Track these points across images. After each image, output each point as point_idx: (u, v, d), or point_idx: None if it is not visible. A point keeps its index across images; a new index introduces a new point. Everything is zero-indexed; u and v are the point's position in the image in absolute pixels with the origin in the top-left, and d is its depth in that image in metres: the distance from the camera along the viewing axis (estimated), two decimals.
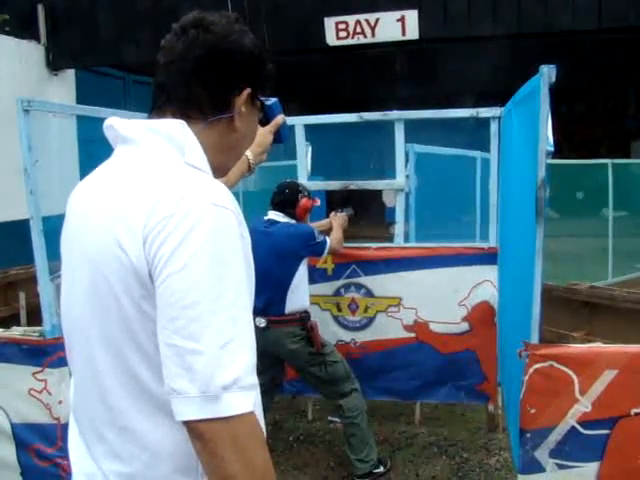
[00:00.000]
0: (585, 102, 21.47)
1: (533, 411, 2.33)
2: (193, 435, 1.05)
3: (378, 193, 10.74)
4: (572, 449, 2.34)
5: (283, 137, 1.95)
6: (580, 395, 2.26)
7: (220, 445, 1.03)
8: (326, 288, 4.21)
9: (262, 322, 3.62)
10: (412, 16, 9.29)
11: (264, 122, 1.53)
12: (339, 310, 4.23)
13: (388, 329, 4.14)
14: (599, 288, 5.36)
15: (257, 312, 3.07)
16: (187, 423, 1.04)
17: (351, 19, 9.40)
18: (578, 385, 2.26)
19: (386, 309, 4.12)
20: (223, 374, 1.03)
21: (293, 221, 3.79)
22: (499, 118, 3.74)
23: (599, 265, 9.41)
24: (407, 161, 4.78)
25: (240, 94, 1.25)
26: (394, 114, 3.96)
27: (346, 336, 4.25)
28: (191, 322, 1.03)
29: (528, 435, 2.36)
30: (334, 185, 4.44)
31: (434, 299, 4.01)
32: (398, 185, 4.04)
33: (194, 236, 1.05)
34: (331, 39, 9.51)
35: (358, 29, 9.51)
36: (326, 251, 3.80)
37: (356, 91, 13.42)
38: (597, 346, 2.34)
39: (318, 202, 3.98)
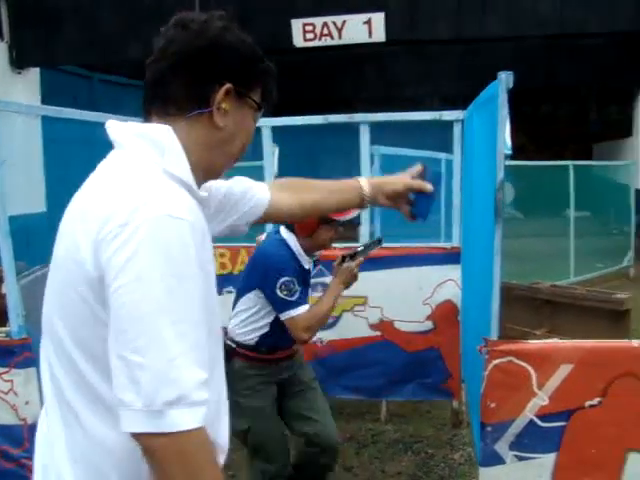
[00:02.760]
0: (550, 104, 21.81)
1: (493, 405, 2.39)
2: (141, 447, 1.06)
3: None
4: (530, 441, 2.41)
5: (418, 211, 1.70)
6: (538, 389, 2.33)
7: (165, 460, 1.04)
8: None
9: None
10: (379, 18, 9.37)
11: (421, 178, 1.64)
12: None
13: (354, 328, 4.20)
14: (560, 287, 5.49)
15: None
16: (133, 435, 1.05)
17: (318, 21, 9.46)
18: (536, 379, 2.33)
19: (352, 308, 4.17)
20: (167, 390, 1.03)
21: (291, 238, 2.90)
22: (462, 121, 3.83)
23: (562, 264, 9.60)
24: (372, 163, 4.85)
25: (219, 90, 1.23)
26: (359, 116, 4.02)
27: None
28: (139, 336, 1.03)
29: (488, 429, 2.42)
30: None
31: (399, 298, 4.08)
32: None
33: (146, 248, 1.05)
34: (298, 41, 9.56)
35: (325, 31, 9.57)
36: (290, 315, 2.78)
37: (323, 92, 13.50)
38: (554, 342, 2.42)
39: (348, 216, 2.81)
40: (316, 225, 2.84)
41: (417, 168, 1.73)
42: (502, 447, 2.45)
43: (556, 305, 5.01)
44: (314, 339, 4.26)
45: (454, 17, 9.28)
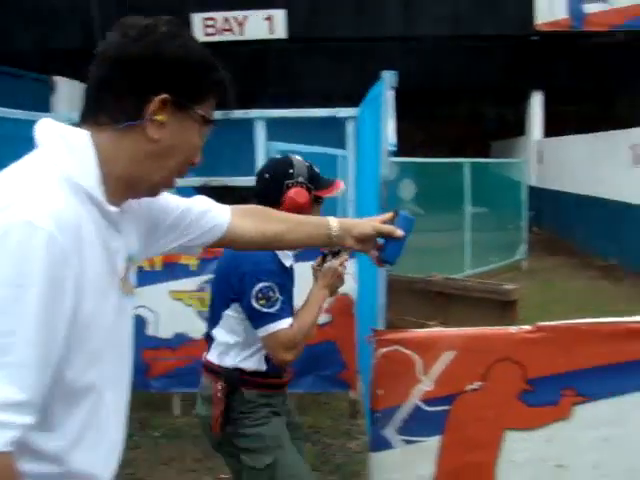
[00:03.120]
0: (448, 103, 22.49)
1: (381, 392, 2.49)
2: None
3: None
4: (417, 425, 2.52)
5: (386, 256, 1.67)
6: (422, 375, 2.44)
7: None
8: (190, 284, 4.24)
9: None
10: (280, 15, 9.45)
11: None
12: (203, 305, 4.26)
13: None
14: (453, 279, 5.71)
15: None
16: None
17: (219, 16, 9.44)
18: (421, 366, 2.44)
19: None
20: None
21: None
22: (355, 118, 3.93)
23: (459, 258, 9.97)
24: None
25: (154, 101, 1.16)
26: (255, 112, 4.06)
27: None
28: None
29: (377, 415, 2.52)
30: (193, 181, 4.47)
31: (295, 292, 4.13)
32: None
33: None
34: (199, 35, 9.49)
35: (226, 26, 9.56)
36: (267, 331, 2.33)
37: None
38: (437, 330, 2.53)
39: (341, 186, 2.53)
40: (308, 205, 2.35)
41: (388, 214, 1.72)
42: (390, 432, 2.55)
43: (449, 297, 5.22)
44: None
45: (354, 16, 9.45)
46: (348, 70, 11.25)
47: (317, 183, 2.38)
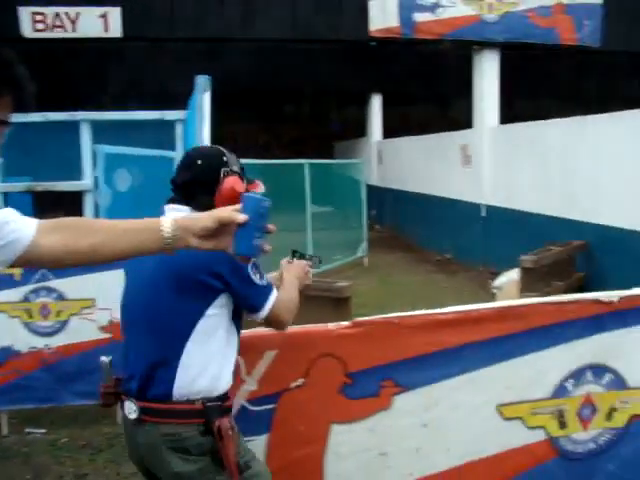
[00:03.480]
0: (294, 104, 22.81)
1: None
2: None
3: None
4: (244, 425, 2.54)
5: (238, 248, 1.41)
6: (246, 376, 2.48)
7: None
8: (13, 295, 4.03)
9: (133, 410, 2.07)
10: (115, 13, 9.17)
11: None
12: (30, 316, 4.07)
13: (83, 332, 4.10)
14: None
15: (131, 392, 2.07)
16: None
17: (49, 11, 9.00)
18: (244, 367, 2.47)
19: (80, 311, 4.06)
20: None
21: None
22: (183, 120, 3.91)
23: None
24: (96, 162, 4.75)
25: None
26: (80, 114, 3.93)
27: (39, 342, 4.12)
28: None
29: None
30: (16, 187, 4.26)
31: None
32: (86, 186, 4.01)
33: None
34: (28, 31, 9.01)
35: (58, 22, 9.13)
36: (268, 307, 2.17)
37: (58, 87, 12.82)
38: (257, 330, 2.56)
39: (261, 188, 2.30)
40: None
41: (236, 206, 1.47)
42: None
43: None
44: (40, 346, 4.11)
45: (194, 16, 9.36)
46: (187, 71, 11.12)
47: (244, 176, 2.20)
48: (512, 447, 2.84)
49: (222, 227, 1.41)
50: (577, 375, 2.94)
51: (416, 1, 10.31)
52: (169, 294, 2.03)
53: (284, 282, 2.37)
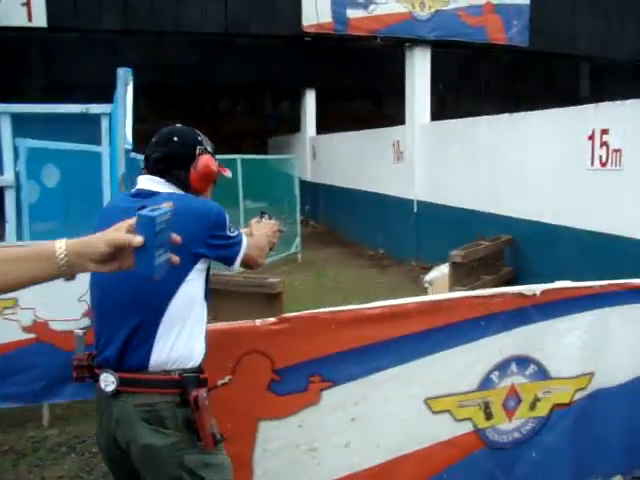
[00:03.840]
0: (229, 99, 22.66)
1: None
2: None
3: None
4: None
5: (141, 268, 1.34)
6: None
7: None
8: None
9: (110, 382, 2.01)
10: (39, 3, 8.87)
11: None
12: None
13: (5, 332, 3.95)
14: (220, 275, 5.74)
15: (108, 362, 2.03)
16: None
17: None
18: None
19: (1, 312, 3.92)
20: None
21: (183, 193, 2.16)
22: (109, 114, 3.81)
23: None
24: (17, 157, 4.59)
25: None
26: (0, 107, 3.78)
27: None
28: None
29: None
30: None
31: (52, 297, 3.93)
32: (6, 182, 3.87)
33: None
34: None
35: None
36: (241, 254, 2.22)
37: None
38: None
39: (229, 172, 2.38)
40: (214, 178, 2.23)
41: (131, 220, 1.39)
42: None
43: (218, 292, 5.23)
44: None
45: (119, 8, 9.15)
46: (117, 64, 10.88)
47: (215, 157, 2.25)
48: (441, 440, 2.89)
49: (120, 250, 1.34)
50: (502, 367, 3.02)
51: None
52: None
53: (254, 236, 2.42)
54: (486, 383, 2.99)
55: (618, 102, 6.26)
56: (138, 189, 2.14)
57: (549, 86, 15.96)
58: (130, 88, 2.23)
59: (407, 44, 10.99)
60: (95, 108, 3.80)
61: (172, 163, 2.12)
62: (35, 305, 3.94)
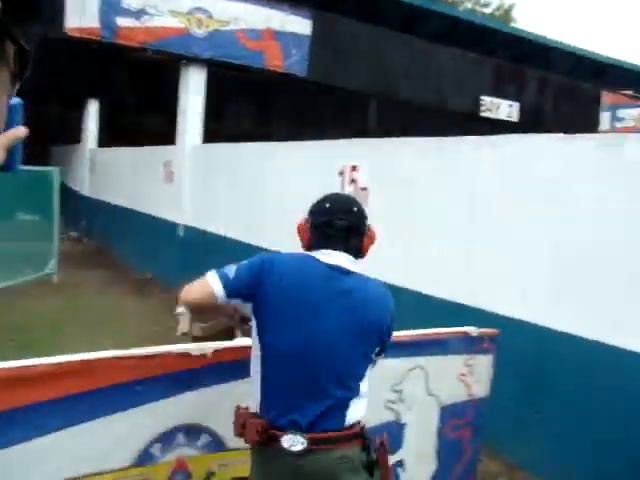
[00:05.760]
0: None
1: None
2: None
3: None
4: None
5: (10, 164, 1.01)
6: None
7: None
8: None
9: (299, 443, 2.16)
10: None
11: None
12: None
13: None
14: None
15: (298, 427, 2.18)
16: None
17: None
18: None
19: None
20: None
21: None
22: None
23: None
24: None
25: None
26: None
27: None
28: None
29: None
30: None
31: None
32: None
33: None
34: None
35: None
36: None
37: None
38: None
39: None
40: None
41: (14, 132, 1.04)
42: None
43: None
44: None
45: None
46: None
47: None
48: None
49: None
50: (166, 438, 2.60)
51: (121, 4, 9.66)
52: (358, 340, 2.24)
53: None
54: (145, 458, 2.55)
55: (368, 139, 6.23)
56: (336, 265, 2.30)
57: (338, 117, 16.23)
58: None
59: (183, 61, 10.51)
60: None
61: (351, 233, 2.35)
62: None
